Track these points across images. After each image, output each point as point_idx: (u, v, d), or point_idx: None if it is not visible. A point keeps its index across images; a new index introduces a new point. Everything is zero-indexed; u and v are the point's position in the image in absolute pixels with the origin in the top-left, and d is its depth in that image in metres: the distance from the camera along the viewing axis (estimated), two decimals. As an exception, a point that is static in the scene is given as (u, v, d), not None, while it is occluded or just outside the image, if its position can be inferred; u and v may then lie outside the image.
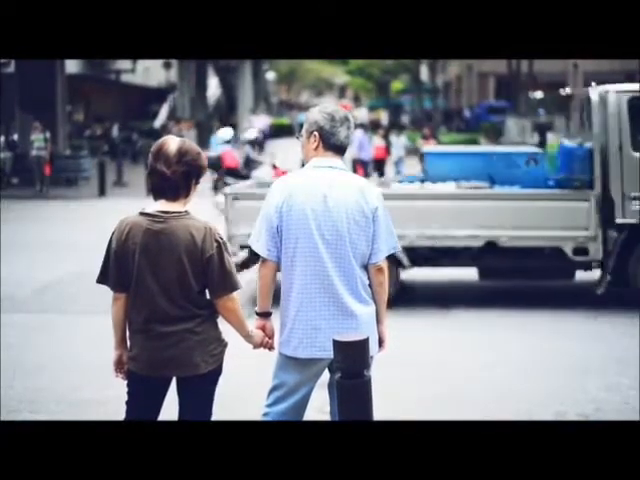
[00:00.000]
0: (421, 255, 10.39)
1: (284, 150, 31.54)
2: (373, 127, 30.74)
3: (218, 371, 4.26)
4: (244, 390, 6.63)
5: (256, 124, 42.33)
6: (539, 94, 50.38)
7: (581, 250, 10.00)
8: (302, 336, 4.38)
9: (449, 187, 10.63)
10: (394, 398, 6.64)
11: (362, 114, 55.81)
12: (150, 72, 47.40)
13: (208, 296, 4.22)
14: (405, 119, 56.94)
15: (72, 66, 33.04)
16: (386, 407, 5.69)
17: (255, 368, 6.52)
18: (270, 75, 73.51)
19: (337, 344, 3.74)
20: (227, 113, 51.57)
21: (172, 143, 4.15)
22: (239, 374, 6.56)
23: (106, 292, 4.32)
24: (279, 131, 56.41)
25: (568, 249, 9.98)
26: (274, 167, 19.08)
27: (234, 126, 42.07)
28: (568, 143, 11.43)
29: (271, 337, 4.53)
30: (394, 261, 9.48)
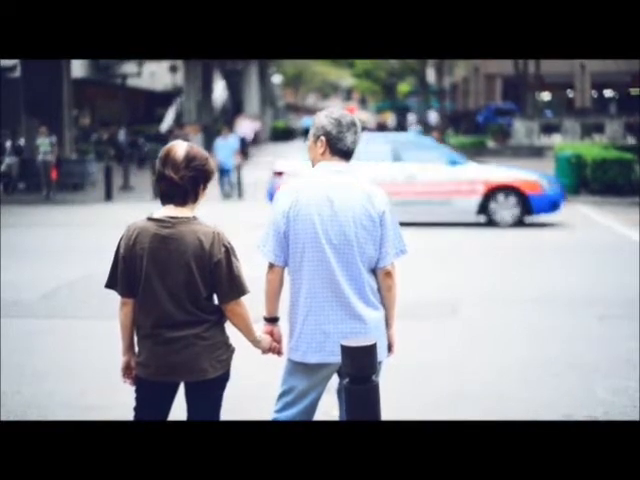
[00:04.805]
0: None
1: (285, 154, 31.48)
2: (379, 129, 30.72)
3: (226, 376, 4.26)
4: (252, 394, 6.62)
5: (239, 129, 41.65)
6: (546, 95, 50.36)
7: None
8: (311, 341, 4.37)
9: None
10: (400, 400, 6.62)
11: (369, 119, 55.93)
12: (156, 76, 47.54)
13: (216, 301, 4.22)
14: (413, 120, 56.98)
15: (78, 70, 33.14)
16: (393, 412, 5.67)
17: (262, 371, 6.51)
18: (276, 78, 73.62)
19: (345, 349, 3.72)
20: (233, 117, 51.68)
21: (180, 148, 4.15)
22: (246, 377, 6.55)
23: (114, 297, 4.31)
24: (287, 134, 56.46)
25: None
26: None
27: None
28: None
29: (279, 342, 4.53)
30: None
